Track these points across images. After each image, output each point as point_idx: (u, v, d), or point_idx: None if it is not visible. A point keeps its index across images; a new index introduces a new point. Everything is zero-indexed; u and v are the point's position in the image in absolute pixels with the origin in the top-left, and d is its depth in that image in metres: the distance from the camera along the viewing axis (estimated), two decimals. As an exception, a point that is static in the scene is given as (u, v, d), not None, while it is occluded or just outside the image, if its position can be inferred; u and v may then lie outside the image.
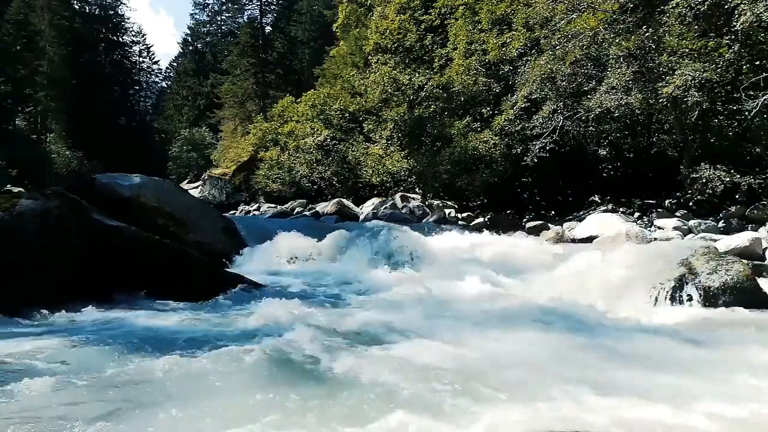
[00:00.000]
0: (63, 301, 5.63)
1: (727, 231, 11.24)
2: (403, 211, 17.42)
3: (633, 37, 13.01)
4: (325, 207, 20.35)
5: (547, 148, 14.93)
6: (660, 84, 12.62)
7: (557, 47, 14.63)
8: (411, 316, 5.67)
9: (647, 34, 12.91)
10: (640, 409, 3.16)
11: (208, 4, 57.14)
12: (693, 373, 3.93)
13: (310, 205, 22.67)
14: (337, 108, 23.67)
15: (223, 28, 57.82)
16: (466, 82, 18.32)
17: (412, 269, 9.38)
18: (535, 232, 13.39)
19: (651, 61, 13.12)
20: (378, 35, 22.58)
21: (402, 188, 20.19)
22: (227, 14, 57.39)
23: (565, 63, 14.59)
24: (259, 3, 47.61)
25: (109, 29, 48.71)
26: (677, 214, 12.90)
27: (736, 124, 12.66)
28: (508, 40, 17.09)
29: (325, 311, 5.93)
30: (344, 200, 20.59)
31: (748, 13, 10.86)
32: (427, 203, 18.29)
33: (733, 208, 12.47)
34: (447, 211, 17.58)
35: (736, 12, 11.37)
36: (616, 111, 13.97)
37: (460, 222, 16.05)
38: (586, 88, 14.79)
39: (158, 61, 76.07)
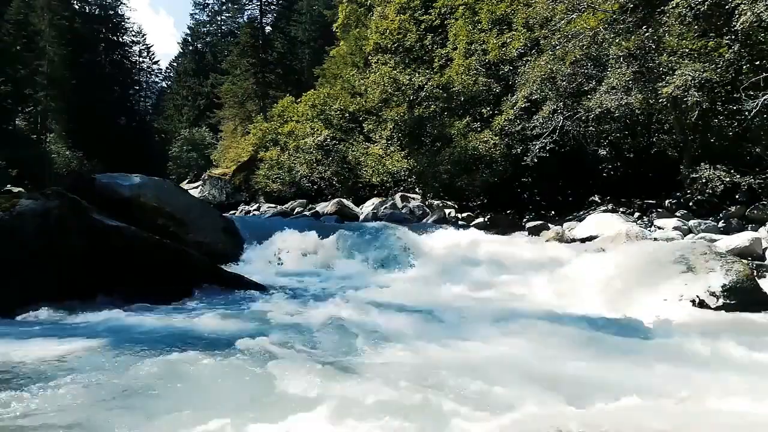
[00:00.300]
0: (63, 301, 5.64)
1: (727, 231, 11.24)
2: (403, 211, 17.41)
3: (633, 37, 13.01)
4: (325, 207, 20.34)
5: (547, 148, 14.92)
6: (660, 84, 12.61)
7: (557, 47, 14.62)
8: (411, 316, 5.68)
9: (647, 34, 12.90)
10: (640, 408, 3.16)
11: (208, 4, 57.17)
12: (693, 373, 3.93)
13: (310, 205, 22.65)
14: (337, 108, 23.66)
15: (223, 28, 57.81)
16: (466, 82, 18.31)
17: (411, 269, 9.38)
18: (535, 232, 13.38)
19: (651, 61, 13.12)
20: (378, 35, 22.58)
21: (402, 188, 20.18)
22: (227, 14, 57.39)
23: (565, 63, 14.59)
24: (259, 3, 47.60)
25: (109, 29, 48.67)
26: (677, 214, 12.89)
27: (736, 124, 12.65)
28: (508, 40, 17.08)
29: (324, 311, 5.93)
30: (344, 200, 20.58)
31: (748, 13, 10.85)
32: (427, 203, 18.28)
33: (733, 208, 12.47)
34: (447, 211, 17.57)
35: (736, 12, 11.36)
36: (616, 111, 13.95)
37: (460, 222, 16.04)
38: (586, 88, 14.78)
39: (158, 61, 76.12)
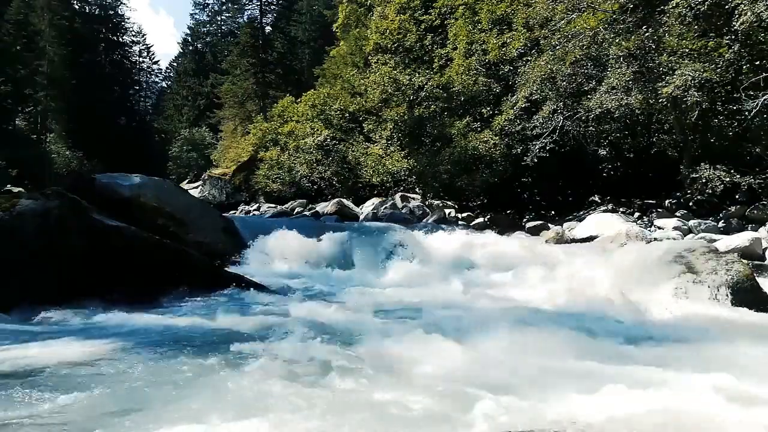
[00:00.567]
0: (63, 301, 5.63)
1: (727, 231, 11.24)
2: (403, 211, 17.41)
3: (633, 37, 13.01)
4: (325, 207, 20.33)
5: (547, 148, 14.92)
6: (660, 84, 12.61)
7: (557, 47, 14.62)
8: (410, 316, 5.68)
9: (647, 34, 12.90)
10: (639, 407, 3.16)
11: (208, 4, 57.15)
12: (692, 372, 3.93)
13: (310, 205, 22.65)
14: (337, 108, 23.65)
15: (223, 28, 57.79)
16: (466, 82, 18.31)
17: (411, 269, 9.37)
18: (535, 232, 13.39)
19: (651, 61, 13.12)
20: (378, 35, 22.57)
21: (402, 188, 20.17)
22: (227, 14, 57.37)
23: (565, 63, 14.59)
24: (259, 3, 47.59)
25: (109, 29, 48.66)
26: (677, 214, 12.89)
27: (736, 124, 12.65)
28: (508, 40, 17.08)
29: (325, 311, 5.94)
30: (344, 200, 20.57)
31: (748, 13, 10.85)
32: (427, 203, 18.28)
33: (733, 208, 12.47)
34: (447, 211, 17.57)
35: (736, 12, 11.37)
36: (616, 111, 13.96)
37: (460, 222, 16.04)
38: (586, 88, 14.78)
39: (158, 61, 76.06)
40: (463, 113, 18.34)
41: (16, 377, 3.62)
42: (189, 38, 58.10)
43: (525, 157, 15.40)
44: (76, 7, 45.61)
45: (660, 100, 12.74)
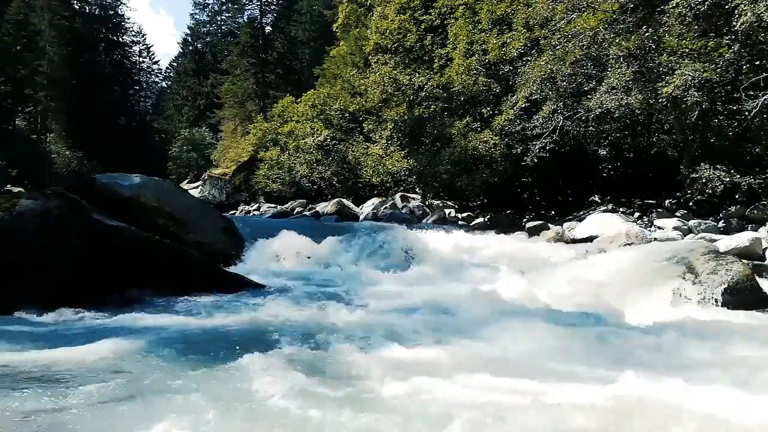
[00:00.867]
0: (63, 301, 5.63)
1: (727, 231, 11.24)
2: (403, 211, 17.41)
3: (633, 37, 13.01)
4: (325, 207, 20.34)
5: (547, 148, 14.92)
6: (660, 84, 12.61)
7: (557, 47, 14.62)
8: (410, 316, 5.68)
9: (647, 34, 12.90)
10: (639, 407, 3.16)
11: (208, 4, 57.15)
12: (692, 372, 3.93)
13: (310, 205, 22.65)
14: (337, 108, 23.66)
15: (223, 28, 57.80)
16: (466, 82, 18.31)
17: (411, 269, 9.38)
18: (535, 232, 13.37)
19: (651, 61, 13.12)
20: (378, 35, 22.58)
21: (402, 188, 20.18)
22: (227, 14, 57.37)
23: (565, 63, 14.58)
24: (259, 3, 47.61)
25: (109, 29, 48.67)
26: (677, 214, 12.89)
27: (736, 124, 12.65)
28: (508, 40, 17.08)
29: (325, 311, 5.94)
30: (344, 200, 20.58)
31: (749, 13, 10.85)
32: (427, 203, 18.28)
33: (733, 208, 12.47)
34: (447, 211, 17.57)
35: (736, 12, 11.36)
36: (616, 111, 13.95)
37: (460, 222, 16.05)
38: (586, 88, 14.78)
39: (158, 61, 75.96)
40: (463, 113, 18.34)
41: (16, 377, 3.62)
42: (189, 38, 58.14)
43: (525, 157, 15.40)
44: (76, 7, 45.63)
45: (660, 100, 12.73)
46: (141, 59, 55.23)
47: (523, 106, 16.09)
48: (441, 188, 18.78)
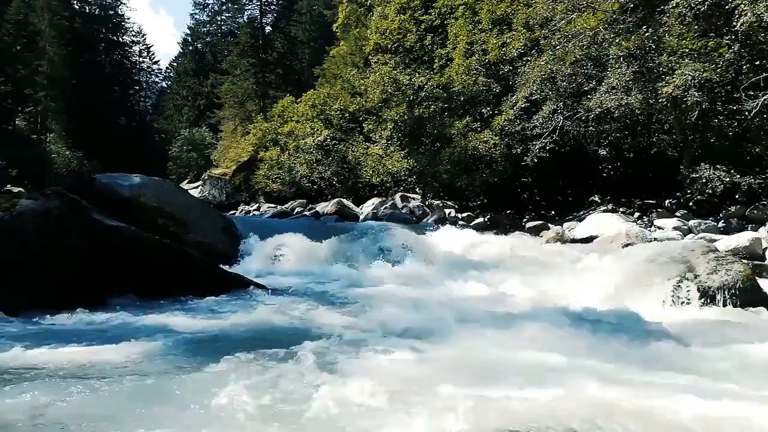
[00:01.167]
0: (63, 301, 5.63)
1: (727, 231, 11.24)
2: (403, 211, 17.41)
3: (633, 37, 13.01)
4: (325, 207, 20.33)
5: (547, 148, 14.92)
6: (660, 84, 12.61)
7: (557, 47, 14.62)
8: (411, 316, 5.68)
9: (647, 34, 12.90)
10: (639, 406, 3.16)
11: (208, 4, 57.15)
12: (692, 372, 3.93)
13: (310, 205, 22.65)
14: (337, 108, 23.65)
15: (223, 28, 57.80)
16: (466, 82, 18.31)
17: (411, 269, 9.38)
18: (535, 232, 13.39)
19: (651, 61, 13.12)
20: (378, 35, 22.58)
21: (402, 188, 20.18)
22: (227, 14, 57.37)
23: (565, 63, 14.59)
24: (259, 3, 47.60)
25: (109, 29, 48.67)
26: (677, 214, 12.89)
27: (736, 124, 12.65)
28: (508, 40, 17.08)
29: (325, 311, 5.94)
30: (344, 200, 20.57)
31: (749, 14, 10.85)
32: (427, 203, 18.28)
33: (733, 208, 12.47)
34: (447, 211, 17.57)
35: (736, 12, 11.37)
36: (616, 111, 13.96)
37: (460, 222, 16.04)
38: (586, 88, 14.79)
39: (158, 61, 76.06)
40: (463, 113, 18.34)
41: (15, 378, 3.62)
42: (189, 38, 58.13)
43: (525, 157, 15.40)
44: (76, 7, 45.63)
45: (660, 100, 12.74)
46: (141, 59, 55.29)
47: (523, 106, 16.09)
48: (441, 188, 18.78)
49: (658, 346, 4.72)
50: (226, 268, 8.21)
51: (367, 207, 19.41)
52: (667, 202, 13.81)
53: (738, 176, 12.33)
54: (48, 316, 5.41)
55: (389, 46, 21.94)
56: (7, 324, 5.09)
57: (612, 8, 13.47)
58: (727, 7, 11.81)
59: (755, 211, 12.00)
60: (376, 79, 19.99)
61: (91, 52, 43.73)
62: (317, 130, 24.07)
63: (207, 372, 3.78)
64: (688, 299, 6.25)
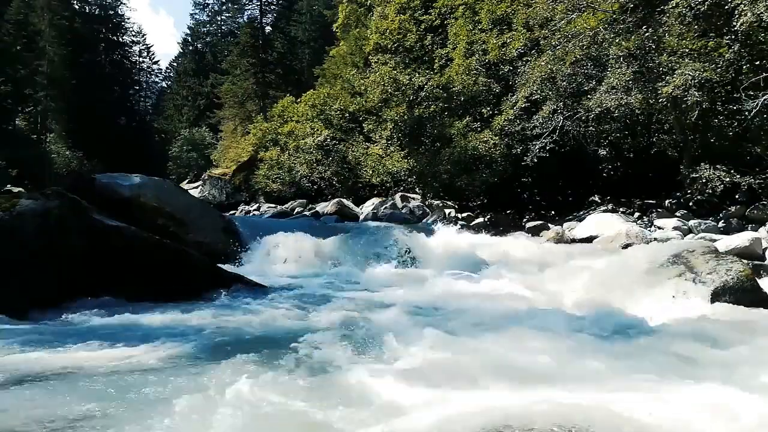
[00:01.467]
0: (63, 301, 5.63)
1: (727, 231, 11.24)
2: (403, 211, 17.42)
3: (633, 37, 13.01)
4: (325, 207, 20.34)
5: (547, 148, 14.93)
6: (660, 84, 12.61)
7: (557, 47, 14.62)
8: (411, 316, 5.68)
9: (647, 34, 12.90)
10: (639, 405, 3.16)
11: (208, 4, 57.18)
12: (691, 372, 3.93)
13: (310, 205, 22.66)
14: (337, 108, 23.66)
15: (223, 28, 57.81)
16: (466, 82, 18.31)
17: (411, 269, 9.38)
18: (535, 232, 13.39)
19: (651, 61, 13.12)
20: (378, 35, 22.58)
21: (402, 188, 20.18)
22: (227, 14, 57.39)
23: (565, 63, 14.59)
24: (259, 3, 47.61)
25: (109, 29, 48.71)
26: (677, 214, 12.89)
27: (736, 124, 12.65)
28: (508, 40, 17.08)
29: (325, 311, 5.94)
30: (344, 200, 20.58)
31: (749, 14, 10.85)
32: (427, 203, 18.28)
33: (733, 208, 12.47)
34: (447, 211, 17.57)
35: (736, 12, 11.37)
36: (616, 111, 13.96)
37: (460, 222, 16.04)
38: (586, 88, 14.79)
39: (158, 61, 76.13)
40: (463, 113, 18.34)
41: (15, 378, 3.62)
42: (189, 38, 58.15)
43: (525, 157, 15.41)
44: (76, 7, 45.65)
45: (660, 100, 12.74)
46: (141, 59, 55.34)
47: (523, 106, 16.10)
48: (441, 188, 18.78)
49: (658, 347, 4.72)
50: (226, 267, 8.21)
51: (367, 207, 19.41)
52: (667, 202, 13.81)
53: (738, 176, 12.33)
54: (48, 316, 5.41)
55: (389, 46, 21.94)
56: (7, 324, 5.09)
57: (612, 8, 13.48)
58: (727, 7, 11.80)
59: (755, 211, 12.00)
60: (376, 79, 19.99)
61: (91, 52, 43.76)
62: (317, 130, 24.07)
63: (207, 372, 3.78)
64: (688, 299, 6.25)
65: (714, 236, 10.55)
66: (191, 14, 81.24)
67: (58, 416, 3.05)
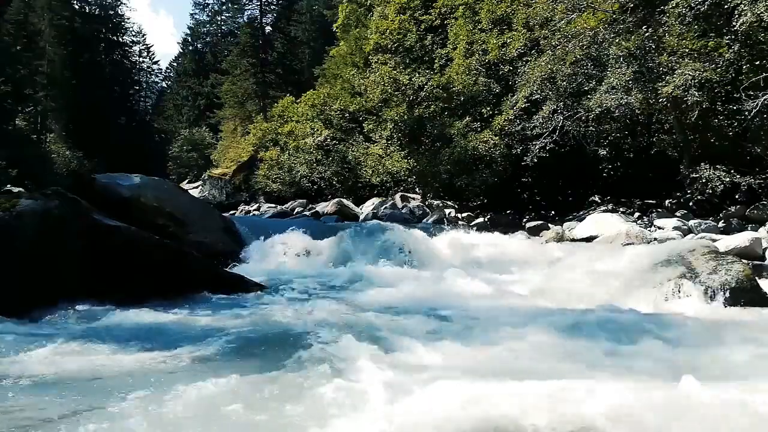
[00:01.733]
0: (63, 301, 5.62)
1: (727, 231, 11.24)
2: (403, 211, 17.42)
3: (633, 37, 13.02)
4: (325, 207, 20.35)
5: (547, 148, 14.93)
6: (660, 84, 12.61)
7: (557, 47, 14.63)
8: (411, 316, 5.68)
9: (647, 34, 12.91)
10: (639, 406, 3.16)
11: (208, 4, 57.12)
12: (691, 372, 3.92)
13: (310, 205, 22.66)
14: (337, 108, 23.67)
15: (223, 28, 57.78)
16: (466, 82, 18.32)
17: (411, 269, 9.37)
18: (535, 232, 13.39)
19: (651, 61, 13.12)
20: (378, 35, 22.59)
21: (402, 188, 20.19)
22: (227, 14, 57.34)
23: (565, 63, 14.59)
24: (259, 3, 47.56)
25: (109, 29, 48.69)
26: (677, 214, 12.90)
27: (736, 124, 12.66)
28: (508, 40, 17.09)
29: (325, 311, 5.93)
30: (344, 200, 20.59)
31: (749, 14, 10.86)
32: (427, 203, 18.29)
33: (733, 208, 12.47)
34: (447, 211, 17.57)
35: (736, 12, 11.37)
36: (616, 111, 13.96)
37: (460, 222, 16.05)
38: (586, 88, 14.79)
39: (158, 61, 76.10)
40: (463, 113, 18.35)
41: (14, 378, 3.62)
42: (189, 38, 58.11)
43: (525, 157, 15.41)
44: (76, 7, 45.60)
45: (660, 100, 12.75)
46: (141, 59, 55.33)
47: (523, 106, 16.10)
48: (441, 188, 18.79)
49: (658, 347, 4.72)
50: (226, 268, 8.21)
51: (367, 207, 19.42)
52: (667, 202, 13.82)
53: (738, 176, 12.34)
54: (48, 316, 5.41)
55: (389, 46, 21.95)
56: (7, 324, 5.08)
57: (612, 8, 13.48)
58: (726, 7, 11.81)
59: (755, 211, 12.00)
60: (376, 79, 20.01)
61: (91, 52, 43.73)
62: (317, 130, 24.09)
63: (207, 371, 3.78)
64: (688, 299, 6.25)
65: (714, 236, 10.55)
66: (191, 14, 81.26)
67: (58, 416, 3.05)
